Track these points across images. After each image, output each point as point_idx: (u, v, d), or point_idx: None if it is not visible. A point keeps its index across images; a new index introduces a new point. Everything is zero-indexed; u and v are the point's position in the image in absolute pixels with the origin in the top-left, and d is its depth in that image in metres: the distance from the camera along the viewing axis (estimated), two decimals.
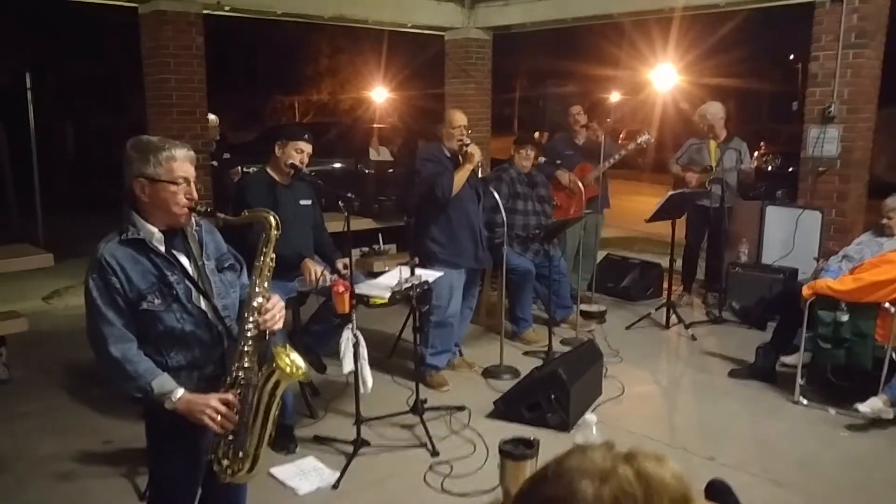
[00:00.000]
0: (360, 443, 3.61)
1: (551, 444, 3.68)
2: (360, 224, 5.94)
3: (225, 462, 2.18)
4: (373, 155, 9.28)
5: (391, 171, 9.16)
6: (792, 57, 22.95)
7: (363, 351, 3.63)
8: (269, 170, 3.98)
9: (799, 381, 4.28)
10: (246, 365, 2.16)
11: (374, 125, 11.04)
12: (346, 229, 3.56)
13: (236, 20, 7.29)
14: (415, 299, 3.79)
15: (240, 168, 8.22)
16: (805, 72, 6.48)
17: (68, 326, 5.75)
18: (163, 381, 2.08)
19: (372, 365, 3.76)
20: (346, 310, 3.56)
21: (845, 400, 4.05)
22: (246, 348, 2.16)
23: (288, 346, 2.21)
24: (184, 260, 2.18)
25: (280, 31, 15.38)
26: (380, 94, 18.26)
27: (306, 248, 3.93)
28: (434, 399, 4.17)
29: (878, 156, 7.62)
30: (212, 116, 6.57)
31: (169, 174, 2.12)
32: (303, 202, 4.03)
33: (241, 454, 2.17)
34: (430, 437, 3.71)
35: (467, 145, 4.33)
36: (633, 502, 0.98)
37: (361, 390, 3.64)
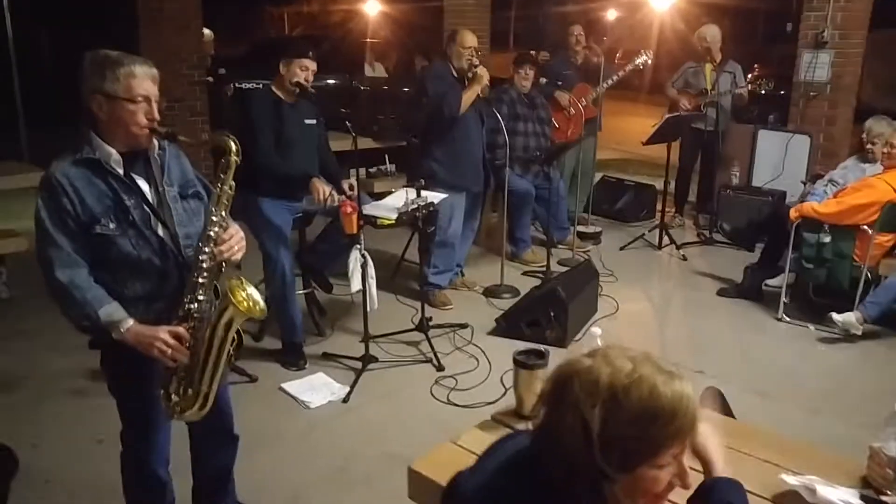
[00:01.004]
0: (368, 359, 3.78)
1: (550, 358, 3.91)
2: (360, 144, 5.94)
3: (175, 398, 2.09)
4: (367, 71, 9.15)
5: (386, 88, 9.07)
6: None
7: (371, 270, 3.74)
8: (273, 87, 3.97)
9: (783, 299, 4.51)
10: (200, 297, 2.05)
11: (368, 40, 10.79)
12: (353, 149, 3.63)
13: None
14: (420, 221, 3.91)
15: (232, 84, 8.11)
16: None
17: None
18: (111, 310, 1.98)
19: (377, 285, 3.87)
20: (355, 230, 3.64)
21: (824, 317, 4.29)
22: (200, 280, 2.04)
23: (244, 280, 2.09)
24: (143, 185, 2.07)
25: None
26: (372, 7, 17.71)
27: (312, 168, 3.95)
28: (437, 317, 4.36)
29: (865, 81, 7.66)
30: (207, 31, 6.43)
31: (127, 91, 1.98)
32: (308, 121, 4.01)
33: (190, 391, 2.08)
34: (435, 353, 3.90)
35: (476, 66, 4.35)
36: (625, 380, 1.14)
37: (369, 308, 3.79)
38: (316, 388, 3.65)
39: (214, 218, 2.06)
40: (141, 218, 2.03)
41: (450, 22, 8.27)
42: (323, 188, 3.80)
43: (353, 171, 4.03)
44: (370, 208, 3.86)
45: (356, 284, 3.73)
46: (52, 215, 1.96)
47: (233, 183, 2.09)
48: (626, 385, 1.14)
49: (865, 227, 4.18)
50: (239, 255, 2.12)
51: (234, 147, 2.09)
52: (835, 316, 4.10)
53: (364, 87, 8.77)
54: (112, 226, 2.00)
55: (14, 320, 4.42)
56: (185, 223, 2.14)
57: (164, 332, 2.00)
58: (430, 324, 4.11)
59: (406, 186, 4.01)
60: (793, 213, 4.40)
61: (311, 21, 20.73)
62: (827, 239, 4.26)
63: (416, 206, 3.85)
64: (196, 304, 2.05)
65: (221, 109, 7.05)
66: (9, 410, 3.45)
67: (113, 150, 2.03)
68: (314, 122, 4.01)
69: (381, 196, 4.34)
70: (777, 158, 6.08)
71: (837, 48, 5.83)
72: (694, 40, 6.21)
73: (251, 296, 2.07)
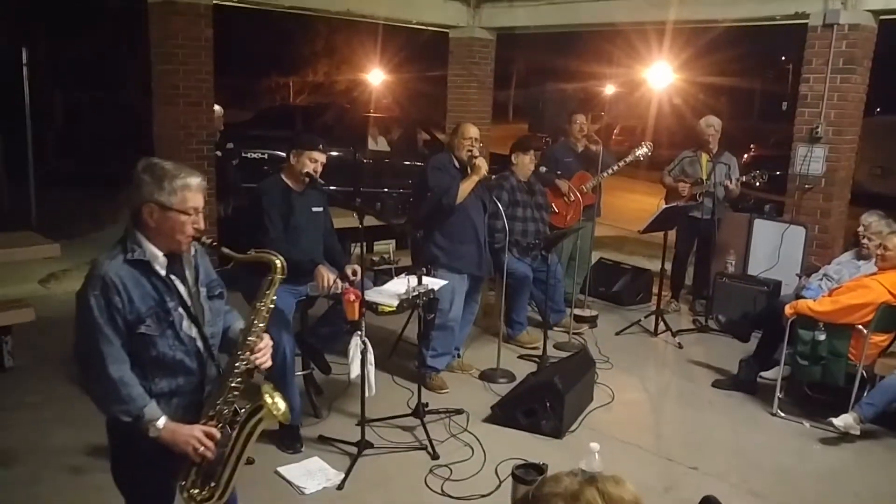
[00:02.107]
0: (363, 444, 3.78)
1: (544, 448, 3.91)
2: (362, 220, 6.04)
3: (195, 490, 2.18)
4: (371, 144, 9.35)
5: (388, 161, 9.27)
6: (784, 58, 23.18)
7: (370, 357, 3.78)
8: (283, 176, 4.10)
9: (778, 394, 4.54)
10: (230, 399, 2.18)
11: (371, 114, 11.07)
12: (359, 234, 3.73)
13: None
14: (421, 308, 3.97)
15: (239, 153, 8.28)
16: (795, 73, 6.69)
17: (69, 312, 5.66)
18: (152, 409, 2.07)
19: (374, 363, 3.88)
20: (357, 317, 3.71)
21: (820, 414, 4.32)
22: (233, 384, 2.17)
23: (272, 387, 2.23)
24: (180, 286, 2.16)
25: (276, 11, 15.25)
26: (376, 77, 18.24)
27: (318, 254, 4.06)
28: (433, 401, 4.37)
29: (860, 164, 7.88)
30: (217, 108, 6.63)
31: (182, 204, 2.09)
32: (315, 209, 4.15)
33: (212, 483, 2.18)
34: (430, 440, 3.89)
35: (476, 158, 4.50)
36: None
37: (367, 394, 3.81)
38: (311, 474, 3.64)
39: (254, 329, 2.20)
40: (179, 319, 2.13)
41: (452, 99, 8.52)
42: (328, 276, 3.88)
43: (354, 245, 4.05)
44: (372, 295, 3.93)
45: (355, 371, 3.77)
46: (103, 313, 2.04)
47: (274, 297, 2.26)
48: None
49: (861, 326, 4.25)
50: (269, 363, 2.25)
51: (279, 265, 2.25)
52: (835, 421, 4.11)
53: (367, 160, 8.97)
54: (153, 326, 2.09)
55: (17, 391, 4.40)
56: (212, 322, 2.25)
57: (198, 431, 2.12)
58: (426, 409, 4.11)
59: (408, 273, 4.08)
60: (788, 310, 4.47)
61: (315, 89, 21.29)
62: (822, 336, 4.31)
63: (417, 292, 3.92)
64: (227, 407, 2.17)
65: (226, 179, 7.20)
66: (5, 488, 3.41)
67: (159, 253, 2.13)
68: (321, 209, 4.14)
69: (382, 273, 4.38)
70: (773, 248, 6.19)
71: (832, 143, 6.01)
72: (699, 128, 6.38)
73: (277, 402, 2.20)
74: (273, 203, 3.93)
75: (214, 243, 2.23)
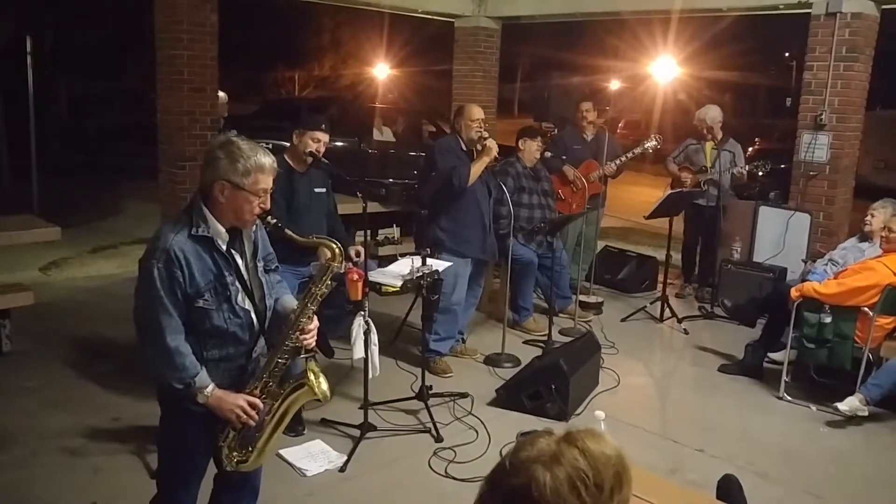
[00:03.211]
0: (366, 427, 3.76)
1: None
2: (367, 207, 6.04)
3: (234, 453, 2.29)
4: (376, 135, 9.34)
5: (393, 151, 9.25)
6: (787, 54, 23.09)
7: (374, 338, 3.75)
8: (286, 157, 4.07)
9: (784, 378, 4.50)
10: (276, 373, 2.27)
11: (377, 105, 11.06)
12: (363, 217, 3.70)
13: None
14: (425, 289, 3.94)
15: None
16: (799, 68, 6.66)
17: (69, 299, 5.79)
18: (202, 377, 2.17)
19: (378, 350, 3.87)
20: (360, 297, 3.68)
21: (826, 397, 4.28)
22: (280, 359, 2.27)
23: (317, 365, 2.34)
24: (239, 260, 2.23)
25: (282, 1, 15.27)
26: (381, 71, 18.21)
27: (321, 235, 4.03)
28: (437, 385, 4.35)
29: (864, 158, 7.85)
30: (221, 94, 6.59)
31: (254, 185, 2.14)
32: (318, 190, 4.11)
33: (249, 448, 2.29)
34: (434, 424, 3.87)
35: (486, 138, 4.46)
36: (585, 476, 1.18)
37: (370, 375, 3.78)
38: (313, 456, 3.62)
39: (306, 311, 2.28)
40: (235, 293, 2.20)
41: (458, 89, 8.49)
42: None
43: (359, 234, 4.09)
44: (375, 275, 3.91)
45: (358, 352, 3.73)
46: (164, 285, 2.10)
47: (329, 283, 2.33)
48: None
49: (866, 309, 4.21)
50: (314, 343, 2.34)
51: (337, 252, 2.35)
52: (840, 406, 4.07)
53: (372, 150, 8.95)
54: (211, 300, 2.16)
55: (15, 375, 4.39)
56: (269, 296, 2.32)
57: (243, 400, 2.21)
58: (430, 392, 4.09)
59: (412, 254, 4.06)
60: (794, 293, 4.44)
61: (320, 83, 21.29)
62: (828, 319, 4.28)
63: (420, 273, 3.89)
64: (273, 380, 2.27)
65: None
66: (3, 471, 3.39)
67: (223, 229, 2.19)
68: (324, 190, 4.11)
69: (385, 260, 4.38)
70: (778, 235, 6.16)
71: (836, 130, 5.99)
72: (696, 122, 6.37)
73: (321, 383, 2.31)
74: (276, 184, 3.89)
75: (279, 224, 2.29)
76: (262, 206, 2.19)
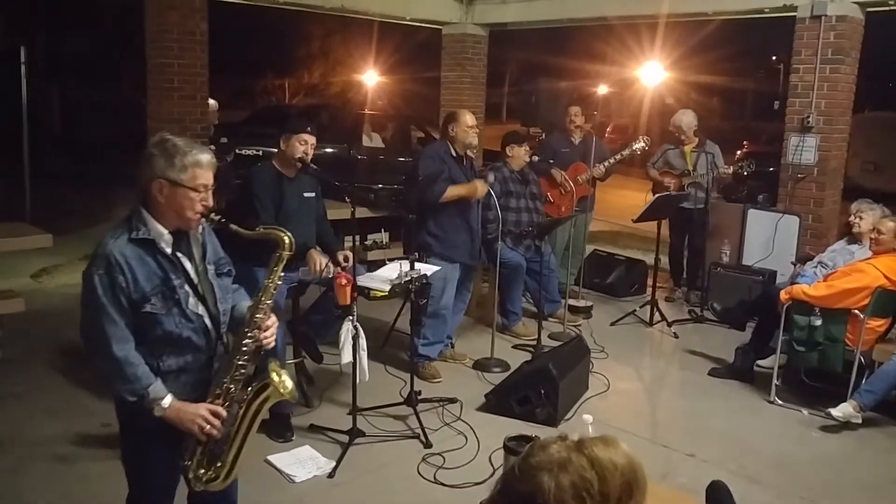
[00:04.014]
0: (355, 433, 3.72)
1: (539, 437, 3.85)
2: (357, 213, 6.04)
3: (200, 471, 2.17)
4: (365, 141, 9.33)
5: (382, 157, 9.24)
6: (774, 58, 23.28)
7: (362, 342, 3.73)
8: (274, 162, 4.05)
9: (775, 381, 4.49)
10: (237, 377, 2.16)
11: (366, 111, 11.06)
12: (351, 222, 3.68)
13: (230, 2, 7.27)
14: (413, 293, 3.92)
15: (233, 150, 8.28)
16: (786, 72, 6.70)
17: (60, 306, 5.73)
18: (157, 388, 2.07)
19: (367, 354, 3.84)
20: (348, 302, 3.66)
21: (817, 401, 4.28)
22: (240, 362, 2.16)
23: (280, 365, 2.22)
24: (187, 264, 2.15)
25: (272, 11, 15.26)
26: (371, 78, 18.25)
27: (310, 239, 4.01)
28: (426, 390, 4.31)
29: (852, 160, 7.90)
30: (212, 101, 6.59)
31: (192, 180, 2.08)
32: (307, 194, 4.09)
33: (218, 463, 2.17)
34: (423, 429, 3.84)
35: (484, 174, 4.60)
36: (590, 485, 1.16)
37: (359, 379, 3.75)
38: (302, 462, 3.58)
39: (262, 306, 2.19)
40: (185, 297, 2.12)
41: (446, 96, 8.49)
42: (319, 259, 3.83)
43: (348, 240, 4.07)
44: (364, 280, 3.88)
45: (347, 357, 3.71)
46: (107, 292, 2.03)
47: (282, 274, 2.25)
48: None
49: (857, 311, 4.21)
50: (273, 342, 2.24)
51: (287, 242, 2.25)
52: (833, 412, 4.05)
53: (361, 156, 8.93)
54: (159, 305, 2.07)
55: (5, 381, 4.35)
56: (223, 300, 2.23)
57: (204, 410, 2.10)
58: (419, 397, 4.06)
59: (400, 259, 4.04)
60: (783, 296, 4.43)
61: (310, 90, 21.30)
62: (818, 322, 4.27)
63: (409, 278, 3.87)
64: (233, 385, 2.15)
65: (219, 174, 7.14)
66: None
67: (164, 231, 2.12)
68: (313, 194, 4.10)
69: (374, 264, 4.36)
70: (767, 237, 6.17)
71: (823, 133, 6.02)
72: (670, 128, 6.43)
73: (284, 381, 2.18)
74: (264, 188, 3.89)
75: (223, 220, 2.21)
76: (203, 203, 2.12)
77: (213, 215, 2.17)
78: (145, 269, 2.06)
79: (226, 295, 2.25)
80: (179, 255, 2.14)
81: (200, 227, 2.21)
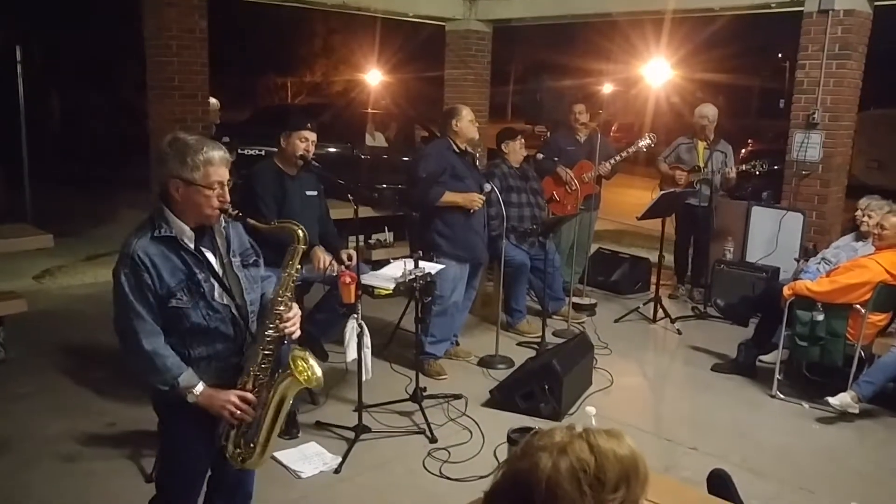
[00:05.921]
0: (361, 429, 3.76)
1: None
2: (360, 212, 6.06)
3: (237, 450, 2.29)
4: (369, 140, 9.34)
5: (386, 157, 9.25)
6: (780, 55, 23.20)
7: (367, 340, 3.76)
8: (276, 161, 4.08)
9: (777, 376, 4.52)
10: (263, 366, 2.26)
11: (369, 110, 11.06)
12: (355, 221, 3.70)
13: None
14: (418, 291, 3.95)
15: (235, 150, 8.30)
16: (792, 70, 6.68)
17: (63, 307, 5.78)
18: (187, 377, 2.16)
19: (371, 352, 3.88)
20: (353, 300, 3.69)
21: (819, 395, 4.30)
22: (265, 351, 2.25)
23: (308, 352, 2.31)
24: (211, 257, 2.22)
25: (274, 10, 15.29)
26: (374, 77, 18.24)
27: (313, 237, 4.02)
28: (431, 387, 4.34)
29: (856, 158, 7.88)
30: (213, 100, 6.61)
31: (205, 178, 2.14)
32: (309, 193, 4.13)
33: (251, 444, 2.29)
34: (428, 424, 3.87)
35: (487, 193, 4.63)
36: (586, 468, 1.19)
37: (364, 377, 3.79)
38: (308, 458, 3.61)
39: (281, 298, 2.26)
40: (210, 290, 2.20)
41: (450, 94, 8.51)
42: (323, 257, 3.86)
43: (352, 239, 4.10)
44: (368, 278, 3.91)
45: (352, 354, 3.74)
46: (133, 290, 2.12)
47: (299, 266, 2.31)
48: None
49: (858, 306, 4.23)
50: (297, 332, 2.32)
51: (301, 235, 2.30)
52: (831, 400, 4.09)
53: (365, 155, 8.95)
54: (185, 299, 2.16)
55: (9, 382, 4.38)
56: (250, 290, 2.32)
57: (234, 396, 2.21)
58: (424, 394, 4.09)
59: (404, 257, 4.07)
60: (786, 291, 4.45)
61: (313, 89, 21.30)
62: (820, 317, 4.29)
63: (413, 276, 3.90)
64: (261, 372, 2.26)
65: None
66: None
67: (186, 227, 2.19)
68: (315, 193, 4.12)
69: (378, 264, 4.40)
70: (771, 235, 6.18)
71: (828, 129, 6.01)
72: (693, 118, 6.39)
73: (311, 367, 2.28)
74: (266, 187, 3.92)
75: (240, 214, 2.28)
76: (220, 199, 2.18)
77: (230, 209, 2.24)
78: (169, 266, 2.13)
79: (253, 285, 2.33)
80: (203, 249, 2.21)
81: (223, 221, 2.28)
